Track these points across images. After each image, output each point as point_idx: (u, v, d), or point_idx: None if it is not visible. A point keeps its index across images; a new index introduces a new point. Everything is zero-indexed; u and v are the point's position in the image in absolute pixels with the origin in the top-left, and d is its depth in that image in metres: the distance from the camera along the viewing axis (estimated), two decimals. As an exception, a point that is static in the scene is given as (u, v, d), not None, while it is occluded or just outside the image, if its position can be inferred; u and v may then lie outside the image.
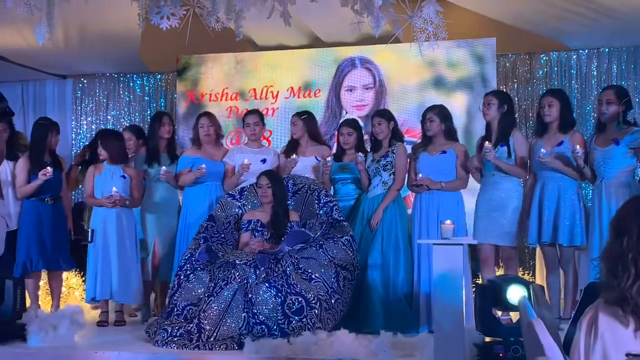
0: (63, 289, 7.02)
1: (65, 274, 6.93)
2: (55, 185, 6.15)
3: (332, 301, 5.17)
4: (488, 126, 5.80)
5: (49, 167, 5.92)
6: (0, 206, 2.32)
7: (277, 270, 5.17)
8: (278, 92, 8.09)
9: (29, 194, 6.06)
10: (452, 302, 4.21)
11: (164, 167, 6.17)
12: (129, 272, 5.97)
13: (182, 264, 5.45)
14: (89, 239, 6.05)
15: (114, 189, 5.88)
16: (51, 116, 7.54)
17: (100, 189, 6.01)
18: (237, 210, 5.89)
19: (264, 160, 6.20)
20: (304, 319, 5.01)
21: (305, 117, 6.30)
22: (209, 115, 6.46)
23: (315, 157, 6.17)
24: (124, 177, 6.05)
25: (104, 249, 5.96)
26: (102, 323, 5.92)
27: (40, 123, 6.36)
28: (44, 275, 6.50)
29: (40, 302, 6.34)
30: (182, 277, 5.35)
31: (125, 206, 6.02)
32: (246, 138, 6.51)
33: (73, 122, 9.09)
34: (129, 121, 8.85)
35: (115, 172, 6.05)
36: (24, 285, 5.44)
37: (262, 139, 6.68)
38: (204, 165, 6.02)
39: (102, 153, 6.08)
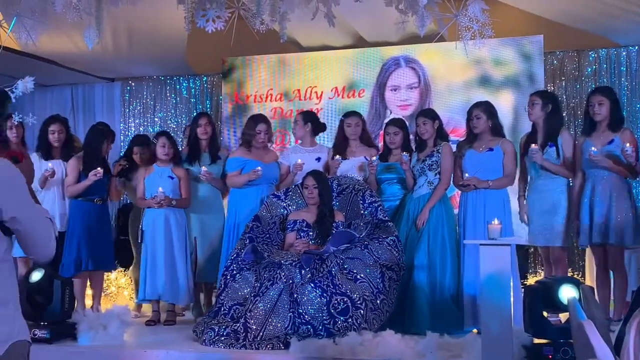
0: (112, 288, 7.13)
1: (114, 274, 7.04)
2: (103, 187, 6.21)
3: (378, 301, 5.15)
4: (534, 126, 5.74)
5: (99, 168, 5.98)
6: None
7: (322, 270, 5.17)
8: (322, 92, 8.09)
9: (77, 194, 6.12)
10: (500, 303, 4.17)
11: (204, 168, 6.15)
12: (177, 273, 6.03)
13: (229, 264, 5.50)
14: (139, 239, 6.14)
15: (160, 189, 5.95)
16: (100, 119, 7.65)
17: (150, 190, 6.10)
18: (282, 210, 5.91)
19: (318, 159, 6.18)
20: (350, 319, 5.00)
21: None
22: (266, 120, 6.27)
23: (365, 157, 6.11)
24: (171, 177, 6.12)
25: (152, 249, 6.04)
26: (150, 322, 5.99)
27: (99, 128, 6.38)
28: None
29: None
30: (228, 277, 5.39)
31: (172, 206, 6.06)
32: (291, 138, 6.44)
33: (121, 125, 9.22)
34: (175, 123, 8.96)
35: (163, 173, 6.12)
36: (72, 285, 5.50)
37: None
38: (259, 168, 5.96)
39: (160, 152, 6.12)
